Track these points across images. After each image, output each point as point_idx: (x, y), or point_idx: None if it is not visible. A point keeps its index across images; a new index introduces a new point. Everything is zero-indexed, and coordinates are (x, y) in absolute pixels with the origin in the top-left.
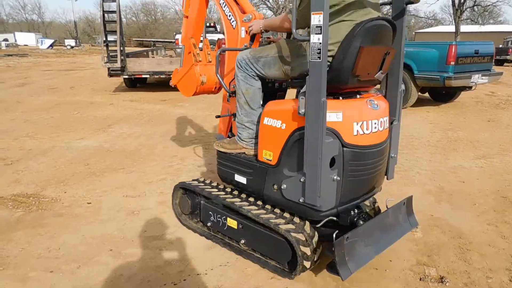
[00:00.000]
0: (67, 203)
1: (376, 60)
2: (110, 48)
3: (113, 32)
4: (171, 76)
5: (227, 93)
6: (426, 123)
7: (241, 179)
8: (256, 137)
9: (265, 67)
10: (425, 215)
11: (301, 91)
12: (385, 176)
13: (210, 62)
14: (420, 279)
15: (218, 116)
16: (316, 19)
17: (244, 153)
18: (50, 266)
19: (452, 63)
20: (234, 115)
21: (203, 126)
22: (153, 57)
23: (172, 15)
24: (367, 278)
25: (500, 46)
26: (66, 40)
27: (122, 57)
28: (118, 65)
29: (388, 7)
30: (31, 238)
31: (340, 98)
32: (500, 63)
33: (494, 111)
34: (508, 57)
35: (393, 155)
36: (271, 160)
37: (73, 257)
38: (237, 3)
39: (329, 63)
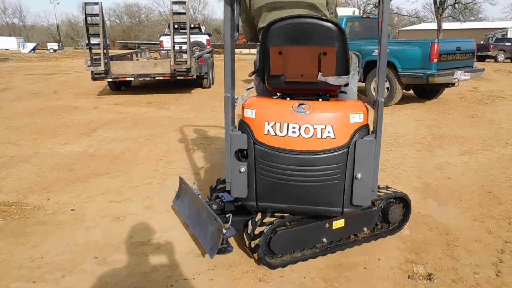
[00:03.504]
0: (50, 211)
1: (304, 60)
2: (93, 51)
3: (96, 35)
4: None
5: None
6: (411, 120)
7: None
8: None
9: None
10: (412, 212)
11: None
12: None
13: None
14: (409, 277)
15: None
16: None
17: None
18: (33, 276)
19: (435, 60)
20: None
21: (189, 128)
22: (137, 59)
23: (157, 17)
24: (356, 278)
25: (481, 42)
26: (48, 44)
27: (106, 60)
28: (101, 68)
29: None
30: (13, 248)
31: (287, 98)
32: (481, 59)
33: (478, 106)
34: (489, 53)
35: (358, 176)
36: None
37: (57, 266)
38: None
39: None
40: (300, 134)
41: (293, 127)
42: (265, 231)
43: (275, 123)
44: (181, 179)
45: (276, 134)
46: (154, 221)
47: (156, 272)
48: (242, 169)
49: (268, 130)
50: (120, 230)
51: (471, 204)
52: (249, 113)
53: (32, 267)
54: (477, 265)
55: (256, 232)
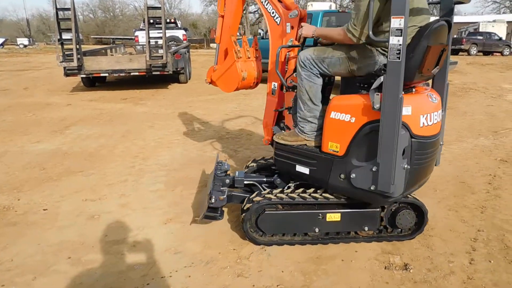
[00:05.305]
0: (21, 211)
1: (436, 57)
2: (65, 47)
3: (68, 30)
4: (207, 74)
5: (273, 88)
6: None
7: (303, 169)
8: (319, 130)
9: (330, 66)
10: None
11: (372, 87)
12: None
13: (249, 58)
14: (385, 268)
15: (276, 110)
16: (397, 22)
17: (306, 145)
18: (2, 280)
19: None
20: (289, 108)
21: (165, 124)
22: (112, 55)
23: (132, 12)
24: (334, 270)
25: (455, 36)
26: (18, 39)
27: (79, 56)
28: (74, 64)
29: None
30: None
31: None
32: (455, 52)
33: (451, 99)
34: (462, 47)
35: (441, 143)
36: (337, 151)
37: (28, 267)
38: (280, 1)
39: None
40: (437, 120)
41: (435, 115)
42: (250, 208)
43: (427, 115)
44: (217, 155)
45: (428, 125)
46: (129, 219)
47: (132, 271)
48: (405, 166)
49: (423, 123)
50: (95, 229)
51: (446, 194)
52: (404, 111)
53: (1, 270)
54: (451, 253)
55: (245, 208)
